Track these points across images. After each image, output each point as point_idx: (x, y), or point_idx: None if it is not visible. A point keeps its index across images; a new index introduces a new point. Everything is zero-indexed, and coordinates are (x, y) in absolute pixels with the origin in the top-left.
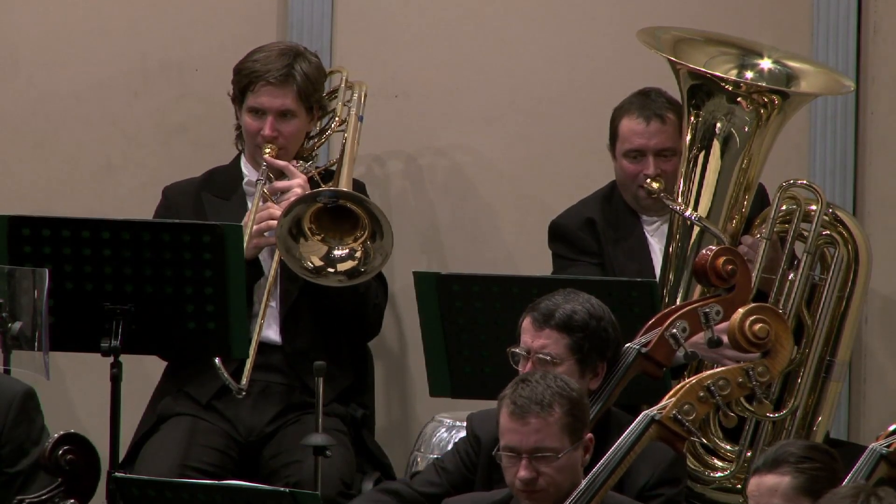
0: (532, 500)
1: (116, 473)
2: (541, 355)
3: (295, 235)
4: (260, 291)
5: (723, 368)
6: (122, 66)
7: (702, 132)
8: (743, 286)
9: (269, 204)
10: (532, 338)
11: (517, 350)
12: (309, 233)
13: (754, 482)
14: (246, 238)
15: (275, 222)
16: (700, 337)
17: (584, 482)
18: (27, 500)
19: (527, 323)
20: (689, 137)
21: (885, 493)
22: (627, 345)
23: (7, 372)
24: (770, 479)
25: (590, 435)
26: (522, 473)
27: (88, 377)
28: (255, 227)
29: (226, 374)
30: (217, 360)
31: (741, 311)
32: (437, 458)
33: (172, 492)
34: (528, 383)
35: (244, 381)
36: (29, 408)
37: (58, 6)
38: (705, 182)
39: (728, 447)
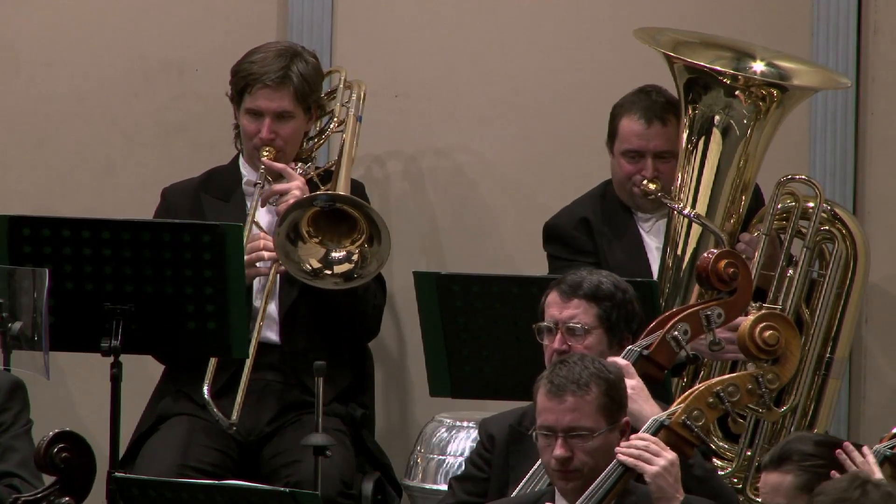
0: (566, 479)
1: (116, 473)
2: (570, 325)
3: (293, 239)
4: (259, 292)
5: (732, 375)
6: (122, 66)
7: (699, 125)
8: (744, 289)
9: (261, 234)
10: (560, 309)
11: (543, 324)
12: (307, 236)
13: (762, 478)
14: None
15: (267, 254)
16: (701, 339)
17: (594, 483)
18: (23, 499)
19: (552, 297)
20: (686, 132)
21: (880, 482)
22: (629, 347)
23: (7, 371)
24: (774, 478)
25: (627, 419)
26: (557, 452)
27: (88, 377)
28: (245, 257)
29: (216, 411)
30: (206, 395)
31: (751, 318)
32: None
33: (172, 492)
34: (566, 364)
35: (234, 416)
36: (17, 396)
37: (58, 6)
38: (703, 176)
39: (728, 446)
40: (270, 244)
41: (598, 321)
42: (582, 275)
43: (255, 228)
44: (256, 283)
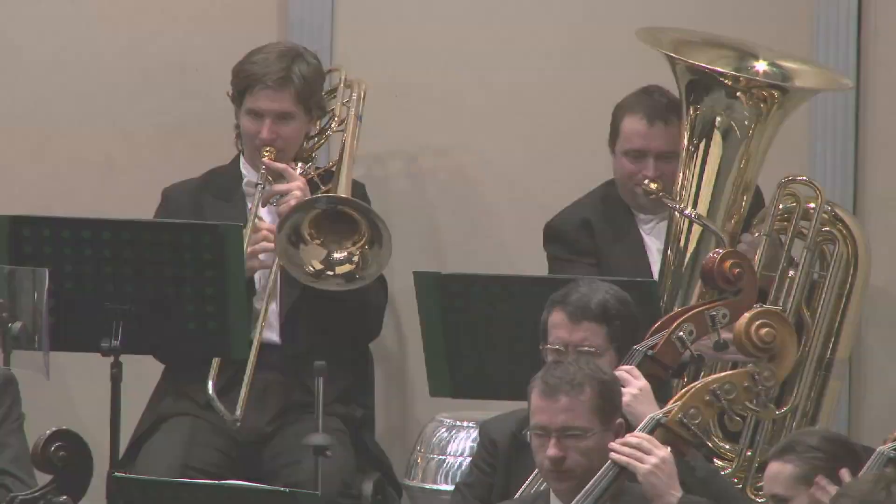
0: (559, 480)
1: (117, 473)
2: (583, 348)
3: (294, 242)
4: (261, 293)
5: (729, 373)
6: (122, 66)
7: (700, 126)
8: (749, 289)
9: (263, 224)
10: (569, 332)
11: (552, 346)
12: (308, 238)
13: (767, 467)
14: None
15: (271, 245)
16: (704, 339)
17: (589, 483)
18: (20, 498)
19: (559, 318)
20: (687, 132)
21: None
22: (634, 347)
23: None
24: (775, 467)
25: (621, 420)
26: (551, 452)
27: (88, 377)
28: (249, 249)
29: (220, 406)
30: (210, 390)
31: (747, 315)
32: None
33: (173, 492)
34: (560, 364)
35: (238, 411)
36: (8, 391)
37: (58, 6)
38: (705, 177)
39: (728, 446)
40: (272, 237)
41: (608, 342)
42: (584, 292)
43: (257, 220)
44: (258, 283)
